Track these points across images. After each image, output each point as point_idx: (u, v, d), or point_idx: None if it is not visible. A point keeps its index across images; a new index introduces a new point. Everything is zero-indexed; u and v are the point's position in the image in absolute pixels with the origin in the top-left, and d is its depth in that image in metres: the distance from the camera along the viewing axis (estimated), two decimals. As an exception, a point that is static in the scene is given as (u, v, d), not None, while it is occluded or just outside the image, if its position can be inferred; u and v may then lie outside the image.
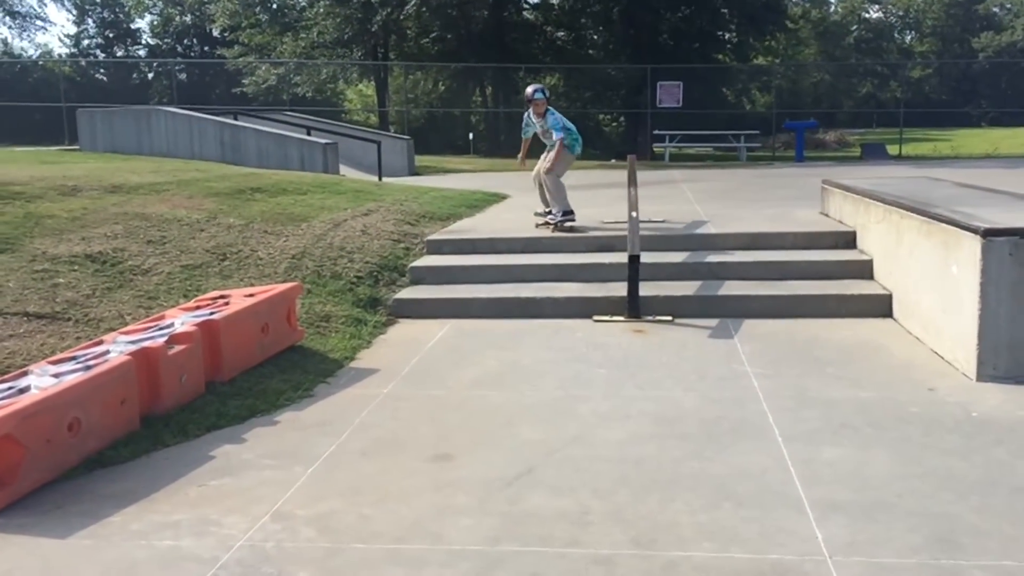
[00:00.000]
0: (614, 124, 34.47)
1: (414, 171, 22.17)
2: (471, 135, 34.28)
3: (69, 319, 6.11)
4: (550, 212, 9.42)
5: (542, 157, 9.64)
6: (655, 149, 26.89)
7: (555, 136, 9.31)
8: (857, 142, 35.27)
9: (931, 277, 6.35)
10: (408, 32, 34.08)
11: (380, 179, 18.32)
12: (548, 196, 9.43)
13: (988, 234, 5.48)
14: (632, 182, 9.24)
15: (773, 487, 4.09)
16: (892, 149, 27.45)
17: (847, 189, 8.99)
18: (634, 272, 7.41)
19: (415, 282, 8.42)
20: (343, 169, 20.24)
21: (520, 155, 10.31)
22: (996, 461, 4.30)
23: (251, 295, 6.25)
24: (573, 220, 9.26)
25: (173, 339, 5.26)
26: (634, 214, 8.08)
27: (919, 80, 60.78)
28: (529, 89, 9.55)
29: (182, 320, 5.62)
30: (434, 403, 5.47)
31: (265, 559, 3.53)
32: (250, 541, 3.69)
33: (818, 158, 26.27)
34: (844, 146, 35.03)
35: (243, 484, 4.29)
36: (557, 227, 9.27)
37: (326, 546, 3.63)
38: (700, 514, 3.84)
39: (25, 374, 4.76)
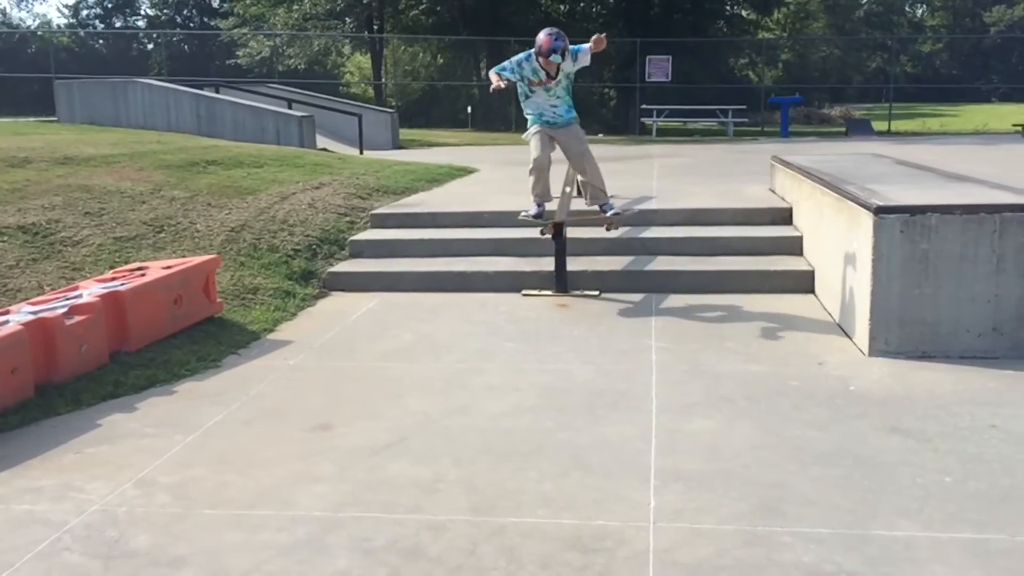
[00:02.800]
0: (606, 98, 34.30)
1: (398, 144, 22.20)
2: (469, 108, 34.23)
3: (-13, 289, 6.22)
4: (603, 206, 7.41)
5: (542, 142, 7.27)
6: (645, 123, 26.85)
7: (565, 107, 7.32)
8: (862, 116, 35.04)
9: (840, 253, 6.41)
10: (400, 4, 33.93)
11: (361, 152, 18.40)
12: (592, 187, 7.42)
13: (880, 211, 5.53)
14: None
15: (627, 457, 4.18)
16: (881, 125, 27.35)
17: (787, 165, 9.02)
18: (560, 246, 7.48)
19: (354, 255, 8.50)
20: (326, 142, 20.29)
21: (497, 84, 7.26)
22: (852, 433, 4.39)
23: (168, 267, 6.34)
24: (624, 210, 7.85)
25: (74, 310, 5.36)
26: (567, 189, 8.12)
27: (929, 54, 60.28)
28: (544, 36, 6.90)
29: (91, 291, 5.72)
30: (335, 374, 5.58)
31: (113, 523, 3.65)
32: (105, 506, 3.80)
33: (804, 133, 26.19)
34: (870, 121, 34.60)
35: (119, 451, 4.40)
36: (614, 222, 7.52)
37: (175, 511, 3.75)
38: (547, 482, 3.94)
39: (-79, 342, 4.87)
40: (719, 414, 4.70)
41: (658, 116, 26.19)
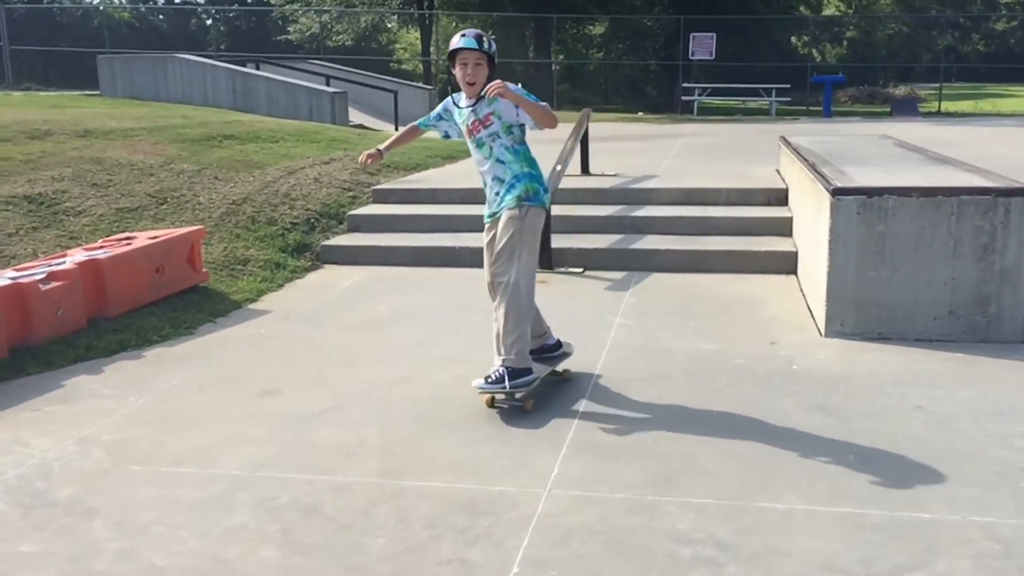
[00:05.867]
0: (649, 75, 34.03)
1: (435, 121, 22.38)
2: (520, 85, 34.22)
3: (-16, 256, 6.54)
4: (491, 376, 4.49)
5: (485, 230, 4.73)
6: (686, 101, 26.62)
7: (511, 177, 4.51)
8: (928, 96, 34.20)
9: (811, 235, 6.41)
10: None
11: (396, 128, 18.64)
12: (503, 326, 4.50)
13: (837, 193, 5.53)
14: (573, 135, 9.32)
15: (549, 428, 4.30)
16: (931, 106, 26.74)
17: (787, 145, 8.97)
18: (545, 224, 7.55)
19: (352, 230, 8.71)
20: (365, 118, 20.60)
21: (382, 145, 4.95)
22: (776, 411, 4.44)
23: (154, 238, 6.59)
24: (528, 383, 4.49)
25: (52, 276, 5.63)
26: (559, 167, 8.21)
27: (1003, 33, 58.43)
28: (456, 38, 4.47)
29: (74, 259, 5.99)
30: (299, 343, 5.77)
31: (45, 475, 3.88)
32: (43, 460, 4.04)
33: (849, 113, 25.74)
34: (920, 101, 33.80)
35: (73, 411, 4.65)
36: (503, 395, 4.52)
37: (104, 467, 3.97)
38: (463, 449, 4.08)
39: (-95, 304, 5.18)
40: (653, 390, 4.79)
41: (700, 95, 25.93)
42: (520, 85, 4.44)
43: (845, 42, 50.64)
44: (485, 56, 4.42)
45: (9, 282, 5.40)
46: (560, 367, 4.98)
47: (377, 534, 3.34)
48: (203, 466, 3.97)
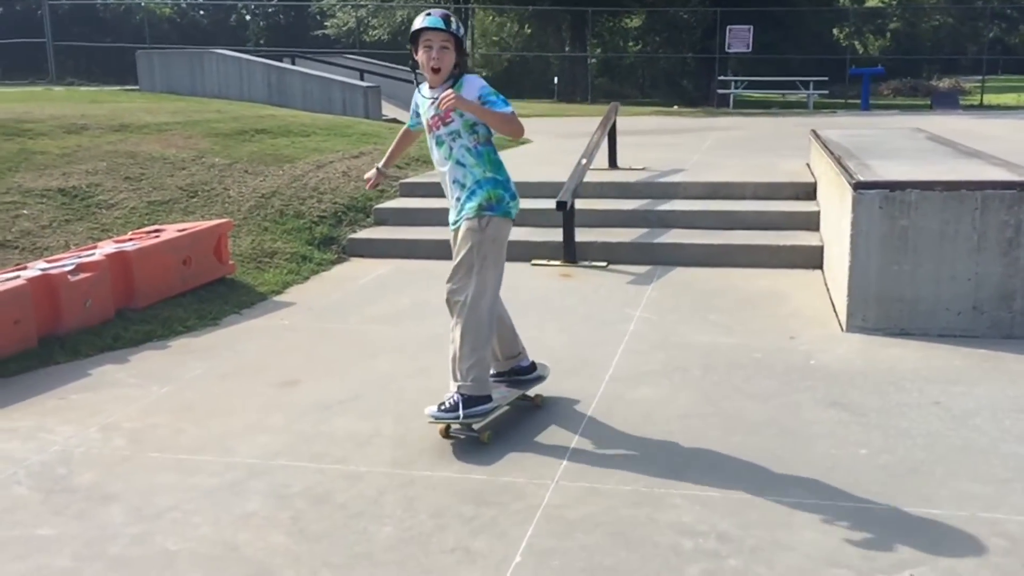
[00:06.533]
0: (686, 68, 33.81)
1: (470, 115, 22.45)
2: (555, 79, 34.24)
3: (18, 247, 6.69)
4: (444, 404, 4.09)
5: (451, 240, 4.26)
6: (722, 95, 26.41)
7: (466, 155, 4.05)
8: (973, 89, 33.61)
9: (836, 229, 6.36)
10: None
11: (428, 122, 18.75)
12: (459, 348, 4.07)
13: (858, 187, 5.49)
14: (600, 128, 9.32)
15: (561, 420, 4.33)
16: (974, 99, 26.30)
17: (817, 139, 8.89)
18: (567, 218, 7.59)
19: (378, 223, 8.78)
20: (398, 112, 20.66)
21: (381, 163, 4.65)
22: (790, 405, 4.43)
23: (182, 230, 6.71)
24: (485, 412, 4.09)
25: (81, 267, 5.75)
26: (583, 161, 8.22)
27: (1054, 24, 57.16)
28: (420, 17, 4.00)
29: (103, 251, 6.12)
30: (321, 335, 5.85)
31: (66, 461, 3.99)
32: (65, 447, 4.14)
33: (888, 106, 25.39)
34: (961, 94, 33.20)
35: (98, 399, 4.76)
36: (458, 425, 4.13)
37: (124, 454, 4.06)
38: (474, 441, 4.12)
39: (-61, 294, 5.32)
40: (668, 383, 4.80)
41: (736, 88, 25.73)
42: (485, 84, 4.01)
43: (888, 34, 49.85)
44: (452, 38, 3.92)
45: (39, 273, 5.53)
46: (532, 392, 4.51)
47: (384, 522, 3.39)
48: (220, 454, 4.05)
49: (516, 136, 4.02)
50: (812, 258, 7.32)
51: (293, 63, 20.34)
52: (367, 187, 4.66)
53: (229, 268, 6.90)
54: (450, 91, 3.84)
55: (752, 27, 26.54)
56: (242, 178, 9.07)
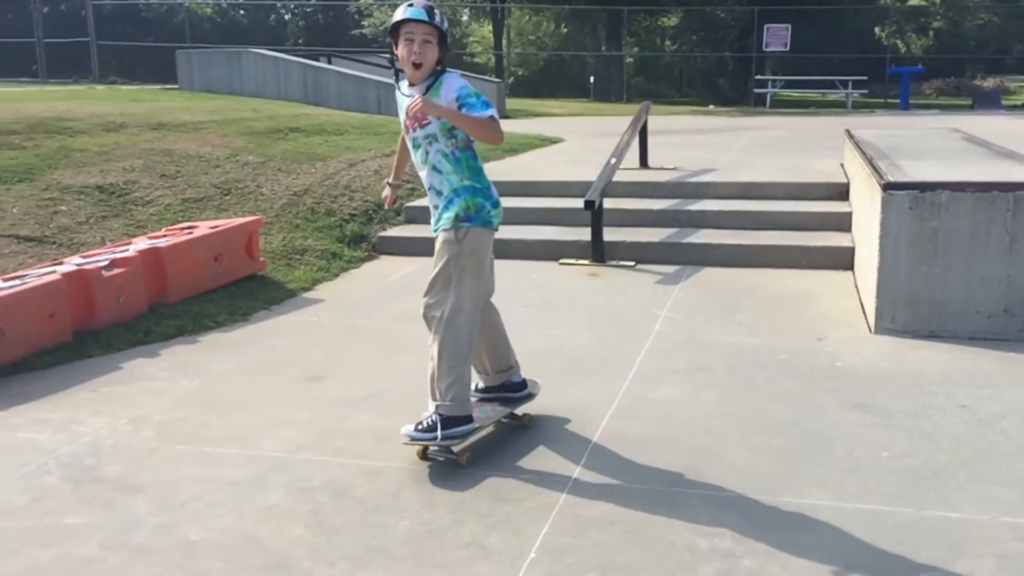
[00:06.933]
0: (725, 68, 33.60)
1: (504, 114, 22.47)
2: (591, 79, 34.21)
3: (55, 243, 6.83)
4: (420, 424, 3.90)
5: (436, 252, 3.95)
6: (759, 94, 26.23)
7: (443, 160, 3.83)
8: (1017, 89, 33.04)
9: (866, 230, 6.30)
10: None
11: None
12: (437, 366, 3.89)
13: (888, 187, 5.44)
14: (631, 128, 9.30)
15: (581, 419, 4.32)
16: (1017, 98, 25.86)
17: (850, 138, 8.81)
18: (596, 217, 7.59)
19: (408, 221, 8.84)
20: (433, 111, 20.80)
21: (390, 177, 4.66)
22: (813, 407, 4.40)
23: (215, 227, 6.80)
24: (465, 433, 3.87)
25: (115, 263, 5.86)
26: (613, 160, 8.21)
27: (1107, 21, 56.02)
28: (402, 8, 3.73)
29: (137, 247, 6.23)
30: (348, 331, 5.91)
31: (95, 452, 4.07)
32: (95, 438, 4.23)
33: (929, 106, 25.04)
34: (1005, 93, 32.57)
35: (128, 391, 4.85)
36: (435, 447, 3.92)
37: (152, 445, 4.14)
38: (495, 438, 4.15)
39: (-22, 288, 5.46)
40: (691, 383, 4.79)
41: (773, 87, 25.53)
42: (466, 83, 3.77)
43: (931, 33, 49.17)
44: (436, 31, 3.68)
45: (74, 268, 5.64)
46: (520, 410, 4.28)
47: (402, 517, 3.43)
48: (244, 447, 4.11)
49: (494, 143, 3.81)
50: (843, 259, 7.25)
51: (329, 62, 20.52)
52: (386, 205, 4.60)
53: (260, 265, 6.99)
54: (418, 96, 3.63)
55: (790, 26, 26.32)
56: (275, 176, 9.18)
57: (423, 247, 8.11)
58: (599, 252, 7.63)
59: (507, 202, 8.75)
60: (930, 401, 4.46)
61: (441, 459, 3.93)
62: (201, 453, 4.06)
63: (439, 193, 3.88)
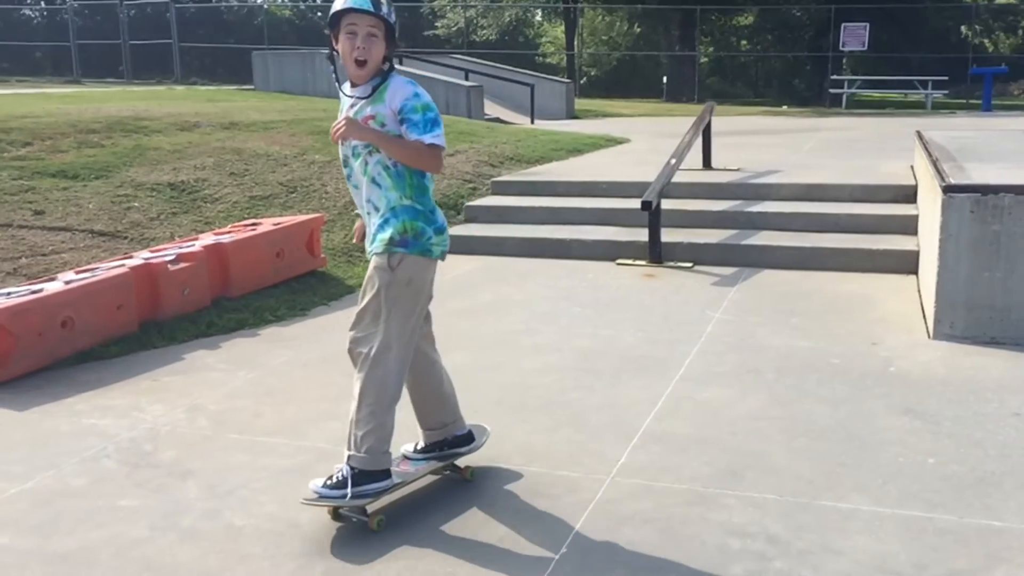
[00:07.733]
0: (801, 67, 33.05)
1: (573, 114, 22.50)
2: (664, 79, 34.00)
3: (127, 238, 7.10)
4: (332, 478, 3.41)
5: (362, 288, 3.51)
6: (834, 95, 25.74)
7: (382, 174, 3.33)
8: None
9: (929, 233, 6.18)
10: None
11: (532, 121, 18.88)
12: (356, 411, 3.43)
13: (949, 190, 5.33)
14: (694, 128, 9.25)
15: (625, 418, 4.35)
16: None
17: (920, 139, 8.61)
18: (653, 218, 7.57)
19: (468, 220, 8.94)
20: (502, 112, 20.91)
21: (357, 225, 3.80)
22: (862, 412, 4.34)
23: (277, 224, 6.99)
24: (379, 491, 3.39)
25: (181, 258, 6.07)
26: (672, 161, 8.18)
27: None
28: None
29: (202, 242, 6.44)
30: (403, 328, 6.01)
31: (153, 439, 4.24)
32: (153, 425, 4.40)
33: (1013, 107, 24.26)
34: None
35: (187, 381, 5.02)
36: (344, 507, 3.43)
37: (207, 434, 4.29)
38: (536, 435, 4.19)
39: (52, 280, 5.71)
40: (739, 384, 4.76)
41: (849, 87, 25.03)
42: (416, 91, 3.25)
43: (1021, 31, 47.58)
44: (383, 24, 3.18)
45: (142, 262, 5.86)
46: (462, 462, 3.74)
47: (438, 508, 3.50)
48: (293, 438, 4.23)
49: (430, 169, 3.30)
50: (907, 263, 7.11)
51: (400, 63, 20.76)
52: (355, 240, 3.78)
53: (320, 261, 7.15)
54: (343, 117, 3.25)
55: (868, 24, 25.76)
56: (340, 175, 9.34)
57: (481, 245, 8.24)
58: (656, 253, 7.62)
59: (568, 202, 8.93)
60: (983, 408, 4.37)
61: (354, 520, 3.41)
62: (252, 442, 4.19)
63: (376, 209, 3.34)
